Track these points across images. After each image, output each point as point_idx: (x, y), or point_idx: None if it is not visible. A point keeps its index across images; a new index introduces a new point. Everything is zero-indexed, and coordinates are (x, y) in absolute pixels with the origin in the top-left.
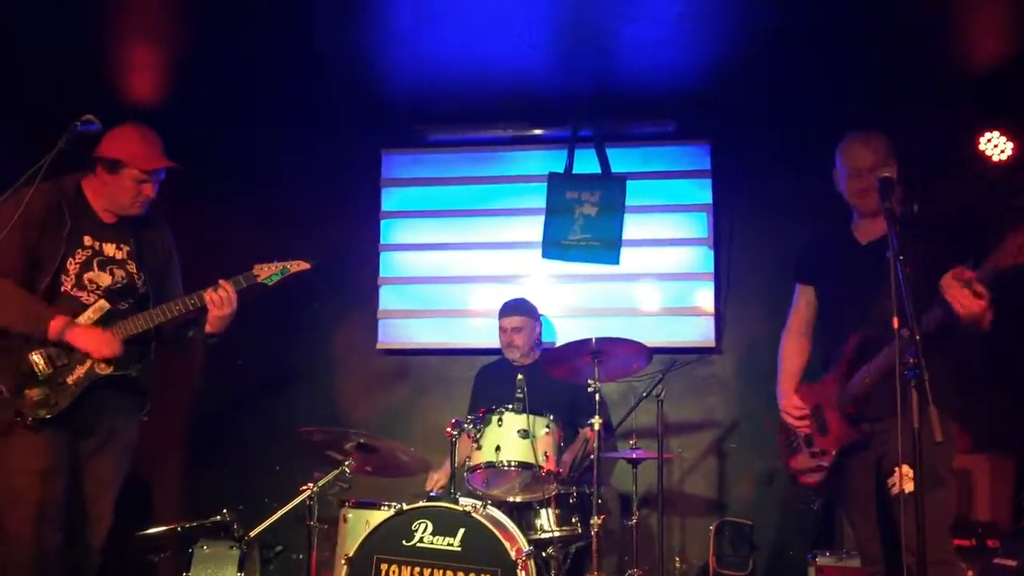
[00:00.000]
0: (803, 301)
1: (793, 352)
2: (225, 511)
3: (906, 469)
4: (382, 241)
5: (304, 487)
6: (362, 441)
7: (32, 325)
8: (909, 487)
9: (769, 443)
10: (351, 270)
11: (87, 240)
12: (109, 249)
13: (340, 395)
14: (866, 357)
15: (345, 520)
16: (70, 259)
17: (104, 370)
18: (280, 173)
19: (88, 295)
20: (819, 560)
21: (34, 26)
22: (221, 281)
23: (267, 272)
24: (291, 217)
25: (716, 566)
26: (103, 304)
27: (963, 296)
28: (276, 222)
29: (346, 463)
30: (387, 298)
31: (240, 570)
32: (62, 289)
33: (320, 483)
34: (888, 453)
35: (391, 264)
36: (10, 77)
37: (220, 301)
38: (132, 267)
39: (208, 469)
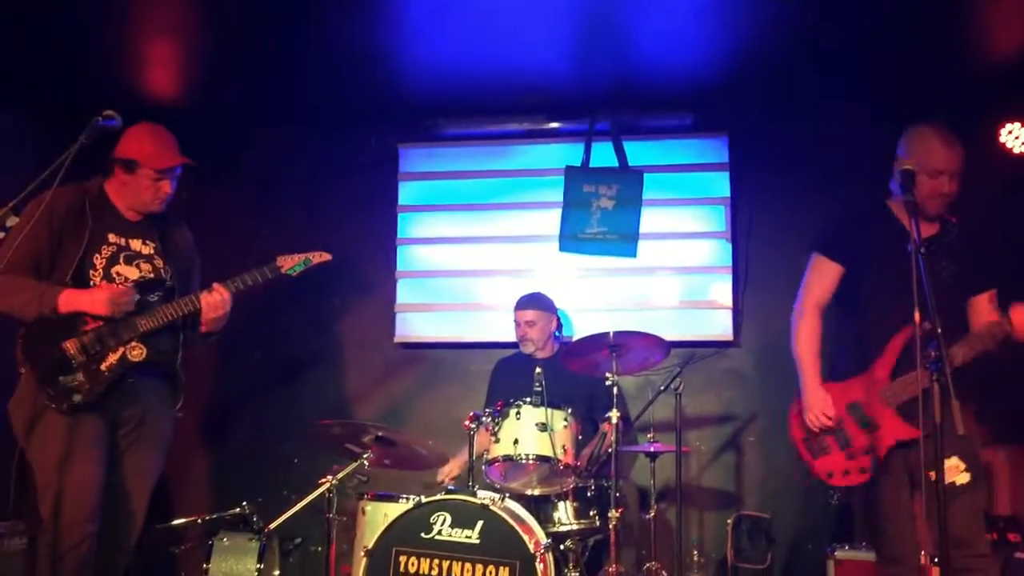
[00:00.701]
0: (826, 278)
1: (814, 336)
2: (245, 503)
3: (954, 461)
4: (399, 235)
5: (323, 480)
6: (381, 434)
7: (43, 304)
8: (961, 479)
9: (786, 437)
10: (368, 264)
11: (112, 237)
12: (136, 244)
13: (358, 388)
14: (921, 351)
15: (364, 513)
16: (96, 255)
17: (136, 356)
18: (298, 168)
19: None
20: (838, 554)
21: (53, 23)
22: (215, 284)
23: (290, 263)
24: (309, 211)
25: (734, 560)
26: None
27: None
28: (294, 216)
29: (365, 456)
30: (404, 292)
31: (259, 562)
32: (91, 284)
33: (339, 476)
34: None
35: (408, 258)
36: (29, 74)
37: (214, 303)
38: (159, 262)
39: (228, 462)
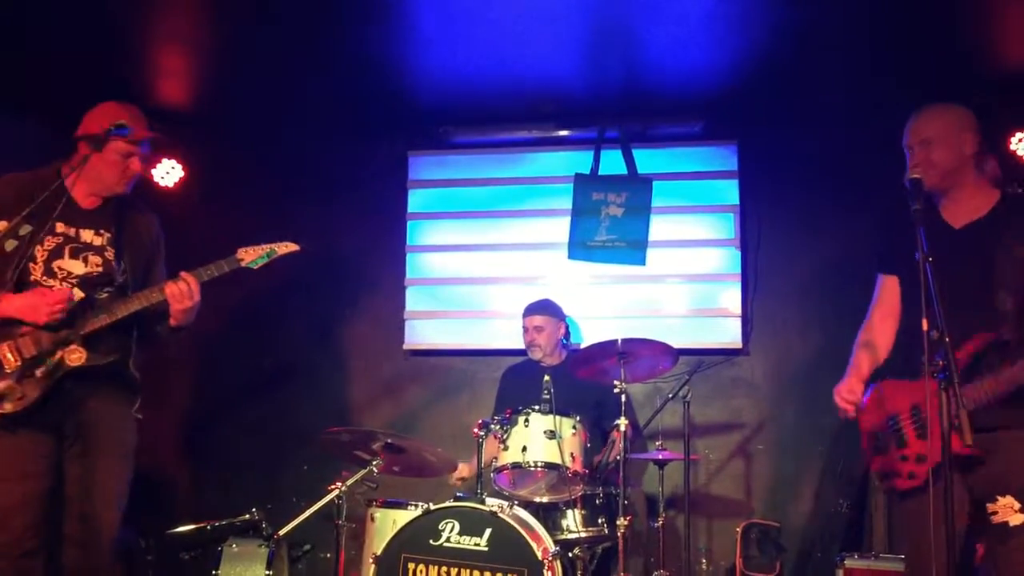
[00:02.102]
0: (886, 292)
1: (864, 335)
2: (254, 510)
3: (1008, 500)
4: (408, 242)
5: (332, 486)
6: (389, 441)
7: None
8: (1014, 520)
9: (796, 445)
10: (377, 271)
11: (60, 227)
12: (87, 235)
13: (367, 396)
14: (988, 362)
15: (372, 519)
16: (38, 247)
17: (75, 360)
18: (307, 175)
19: (59, 284)
20: (848, 563)
21: (60, 27)
22: (182, 273)
23: (251, 256)
24: (318, 219)
25: (743, 568)
26: (77, 292)
27: None
28: (304, 224)
29: (374, 463)
30: (413, 299)
31: (268, 568)
32: (31, 278)
33: (348, 483)
34: (989, 475)
35: (417, 265)
36: (37, 78)
37: (180, 294)
38: (110, 254)
39: (237, 468)
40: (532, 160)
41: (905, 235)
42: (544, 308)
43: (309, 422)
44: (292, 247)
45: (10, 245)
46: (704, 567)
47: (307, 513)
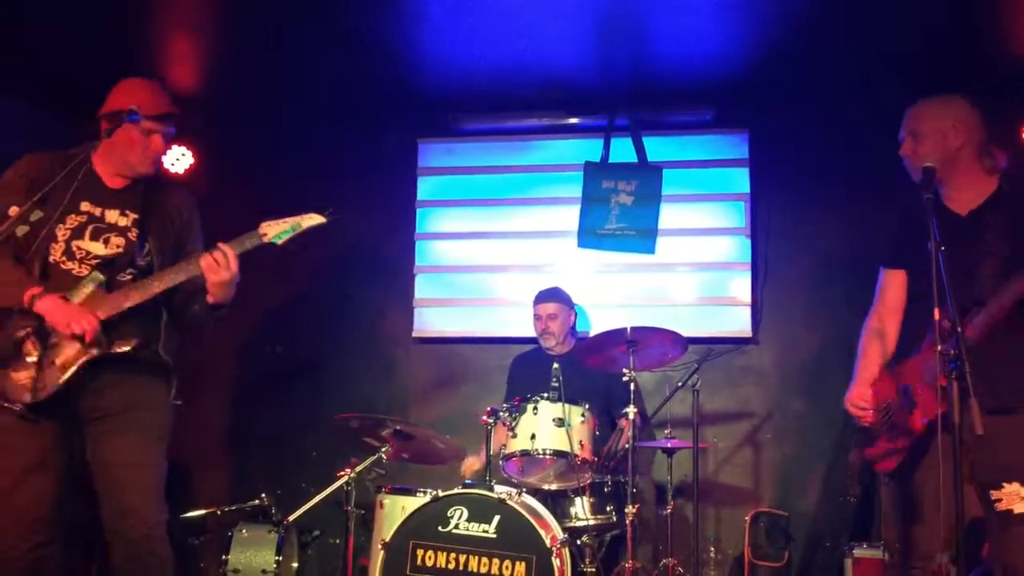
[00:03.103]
0: (892, 287)
1: (873, 341)
2: (264, 495)
3: (1015, 487)
4: (418, 230)
5: (341, 473)
6: (399, 428)
7: (11, 296)
8: (1019, 508)
9: (804, 434)
10: (387, 259)
11: (84, 206)
12: (112, 216)
13: (377, 383)
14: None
15: (381, 506)
16: (60, 225)
17: (92, 350)
18: (316, 163)
19: (79, 266)
20: (856, 552)
21: (67, 11)
22: (220, 244)
23: (275, 230)
24: (328, 206)
25: (751, 557)
26: (96, 276)
27: None
28: (313, 210)
29: (383, 450)
30: (423, 287)
31: (278, 554)
32: (51, 259)
33: (357, 469)
34: (993, 459)
35: (427, 253)
36: (44, 63)
37: (215, 265)
38: (133, 235)
39: (247, 454)
40: (542, 148)
41: (911, 228)
42: (556, 296)
43: (318, 409)
44: (317, 219)
45: (21, 231)
46: (712, 556)
47: (316, 499)
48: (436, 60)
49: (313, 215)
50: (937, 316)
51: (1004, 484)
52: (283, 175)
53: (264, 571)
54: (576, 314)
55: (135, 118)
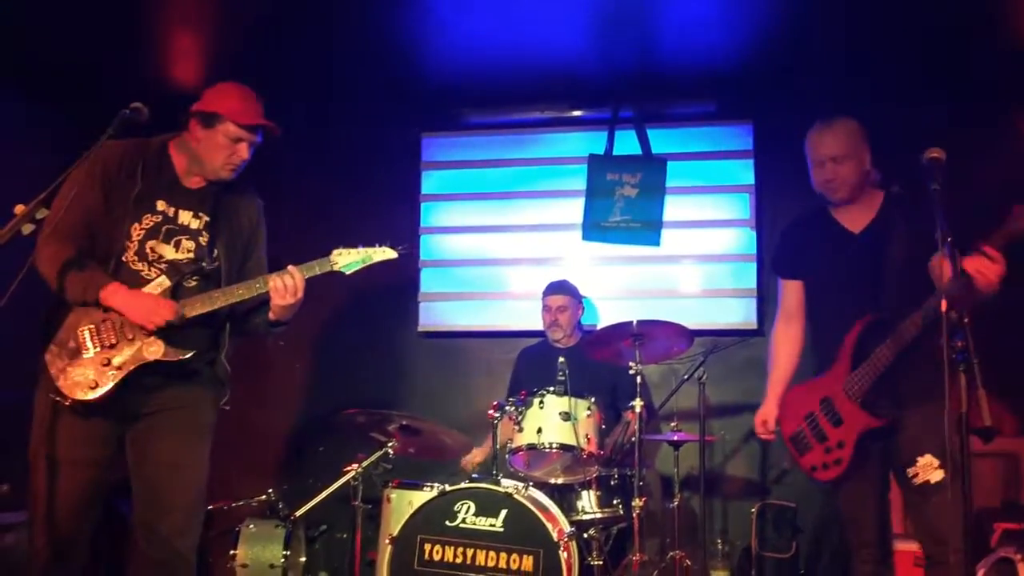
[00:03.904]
0: (792, 297)
1: (783, 352)
2: (271, 491)
3: (928, 459)
4: (422, 224)
5: (348, 468)
6: (405, 423)
7: (87, 292)
8: (935, 477)
9: None
10: None
11: (160, 204)
12: (185, 217)
13: (382, 377)
14: (873, 342)
15: (389, 500)
16: (135, 224)
17: (152, 354)
18: (321, 157)
19: (149, 268)
20: None
21: (78, 16)
22: (290, 267)
23: (346, 259)
24: (332, 201)
25: (759, 549)
26: (163, 281)
27: (981, 263)
28: (317, 206)
29: (390, 444)
30: (428, 281)
31: (286, 548)
32: (123, 258)
33: (364, 464)
34: (905, 442)
35: (431, 247)
36: (56, 65)
37: (283, 289)
38: (204, 239)
39: (254, 449)
40: (546, 141)
41: (804, 238)
42: (566, 288)
43: (325, 404)
44: (390, 254)
45: (27, 229)
46: (720, 548)
47: (324, 494)
48: (439, 54)
49: (386, 249)
50: (944, 308)
51: (918, 459)
52: (287, 170)
53: (272, 566)
54: (584, 308)
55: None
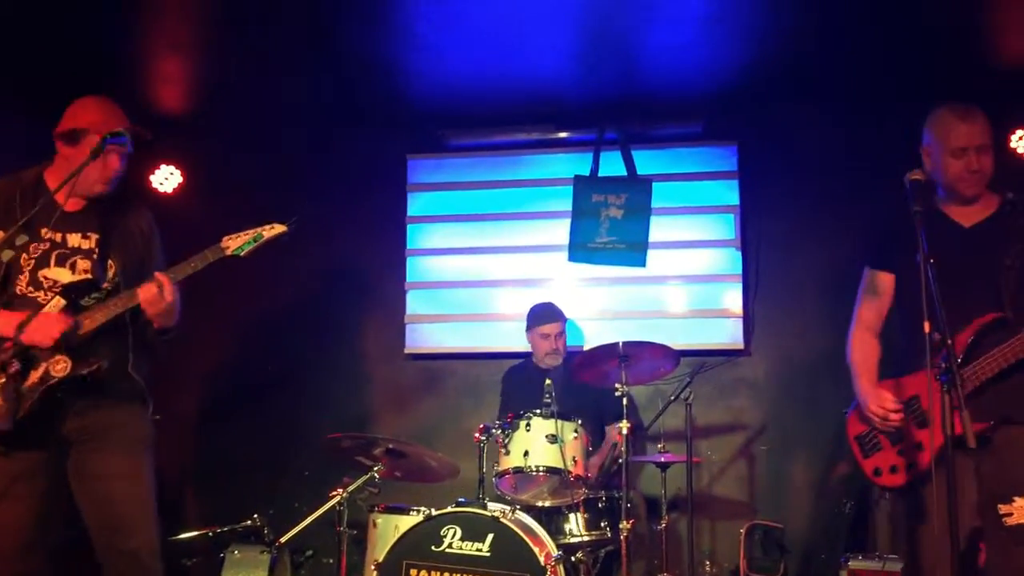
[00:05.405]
0: (879, 290)
1: (868, 346)
2: (256, 516)
3: (1020, 503)
4: (408, 246)
5: (334, 492)
6: (391, 447)
7: None
8: None
9: (798, 445)
10: (377, 275)
11: (44, 232)
12: (73, 239)
13: (368, 401)
14: (990, 343)
15: (375, 525)
16: (24, 254)
17: (60, 371)
18: (306, 179)
19: (45, 294)
20: (852, 564)
21: (55, 32)
22: (156, 273)
23: (237, 242)
24: (317, 223)
25: (747, 569)
26: (59, 302)
27: None
28: (302, 228)
29: (375, 468)
30: (414, 303)
31: (271, 574)
32: (17, 290)
33: (350, 488)
34: (1004, 468)
35: (417, 269)
36: (31, 83)
37: (152, 298)
38: (97, 256)
39: (239, 474)
40: (531, 162)
41: (906, 233)
42: (560, 314)
43: (310, 428)
44: (279, 228)
45: (7, 255)
46: (708, 569)
47: (309, 519)
48: (425, 76)
49: (275, 225)
50: (927, 329)
51: (1016, 499)
52: (272, 193)
53: None
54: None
55: (120, 139)
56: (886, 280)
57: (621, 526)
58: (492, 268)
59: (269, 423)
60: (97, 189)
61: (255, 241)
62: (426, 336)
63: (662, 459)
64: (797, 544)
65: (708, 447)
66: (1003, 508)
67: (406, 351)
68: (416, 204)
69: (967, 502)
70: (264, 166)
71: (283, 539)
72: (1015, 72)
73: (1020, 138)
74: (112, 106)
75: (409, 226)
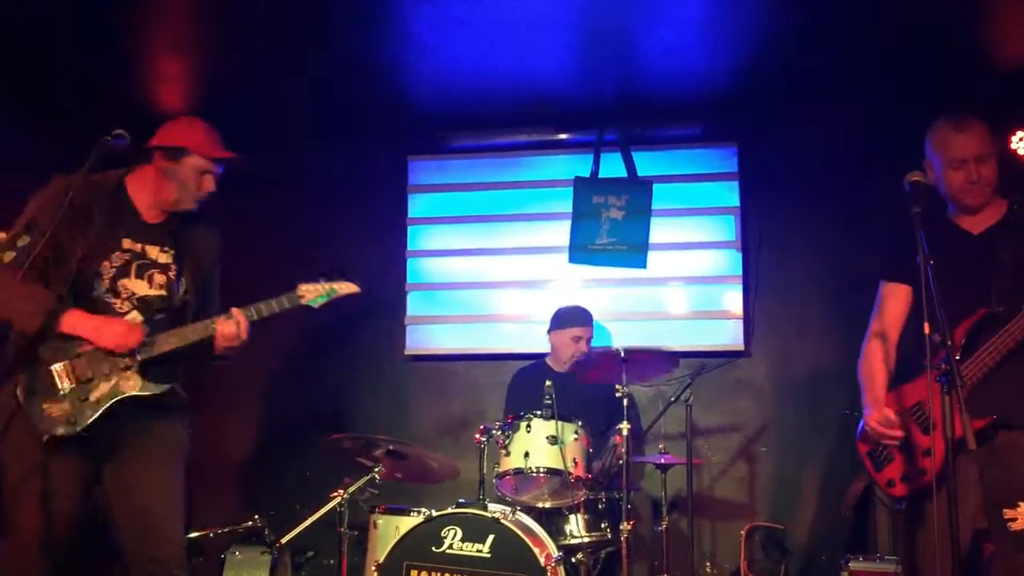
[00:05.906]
0: (894, 301)
1: (876, 361)
2: (257, 517)
3: None
4: (409, 247)
5: (334, 493)
6: (392, 448)
7: (38, 317)
8: None
9: (799, 446)
10: (378, 276)
11: (126, 243)
12: (152, 252)
13: (369, 402)
14: (984, 337)
15: (375, 526)
16: (105, 262)
17: (131, 388)
18: (307, 181)
19: (122, 303)
20: (852, 565)
21: (67, 40)
22: (235, 311)
23: (311, 294)
24: (318, 225)
25: (747, 571)
26: (136, 316)
27: None
28: (303, 230)
29: (376, 469)
30: (414, 304)
31: (271, 575)
32: (94, 294)
33: (350, 489)
34: (1008, 470)
35: (418, 270)
36: (32, 86)
37: (229, 335)
38: (173, 273)
39: (239, 475)
40: (532, 164)
41: (913, 241)
42: (592, 318)
43: (311, 429)
44: (352, 288)
45: (8, 256)
46: (708, 570)
47: (310, 520)
48: (425, 78)
49: (350, 284)
50: (927, 331)
51: (1020, 504)
52: (273, 194)
53: None
54: None
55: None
56: (902, 292)
57: (622, 527)
58: (493, 269)
59: (270, 424)
60: (185, 205)
61: (328, 296)
62: (427, 337)
63: (663, 460)
64: (798, 545)
65: (708, 448)
66: (1008, 513)
67: (406, 352)
68: (417, 205)
69: (969, 504)
70: (264, 167)
71: (284, 540)
72: (1015, 73)
73: (1020, 139)
74: (213, 130)
75: (410, 227)
